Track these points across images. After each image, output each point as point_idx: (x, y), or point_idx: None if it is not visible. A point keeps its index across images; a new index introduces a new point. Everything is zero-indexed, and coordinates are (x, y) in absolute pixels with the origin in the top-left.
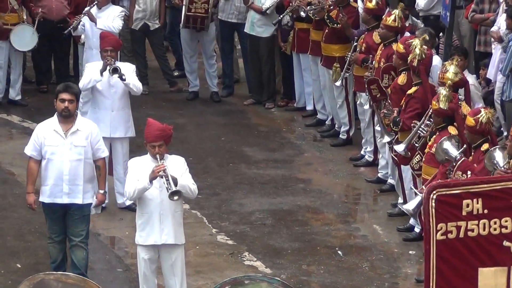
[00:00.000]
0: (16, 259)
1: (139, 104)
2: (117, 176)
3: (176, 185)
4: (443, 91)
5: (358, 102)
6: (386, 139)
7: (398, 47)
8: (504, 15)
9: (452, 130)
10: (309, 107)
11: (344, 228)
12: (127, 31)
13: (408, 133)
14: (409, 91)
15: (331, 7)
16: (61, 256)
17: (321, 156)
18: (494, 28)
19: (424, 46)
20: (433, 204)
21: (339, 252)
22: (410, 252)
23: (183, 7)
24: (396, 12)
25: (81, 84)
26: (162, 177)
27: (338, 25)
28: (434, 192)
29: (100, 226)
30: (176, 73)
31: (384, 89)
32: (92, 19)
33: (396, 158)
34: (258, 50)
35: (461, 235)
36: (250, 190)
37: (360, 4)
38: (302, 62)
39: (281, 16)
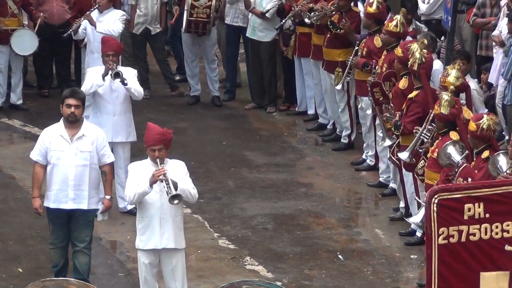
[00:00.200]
0: (17, 264)
1: (140, 109)
2: (118, 180)
3: (176, 189)
4: (445, 96)
5: (359, 106)
6: (388, 142)
7: (397, 51)
8: (506, 19)
9: (453, 135)
10: (311, 111)
11: (345, 233)
12: (128, 35)
13: (409, 137)
14: (410, 95)
15: (333, 12)
16: (62, 261)
17: (322, 160)
18: (495, 32)
19: (424, 50)
20: (435, 208)
21: (340, 256)
22: (412, 256)
23: (185, 12)
24: (398, 17)
25: (83, 88)
26: (162, 181)
27: (341, 30)
28: (436, 196)
29: (101, 231)
30: (177, 78)
31: (386, 92)
32: (92, 23)
33: (397, 162)
34: (260, 55)
35: (463, 239)
36: (252, 194)
37: (361, 8)
38: (303, 66)
39: (283, 21)
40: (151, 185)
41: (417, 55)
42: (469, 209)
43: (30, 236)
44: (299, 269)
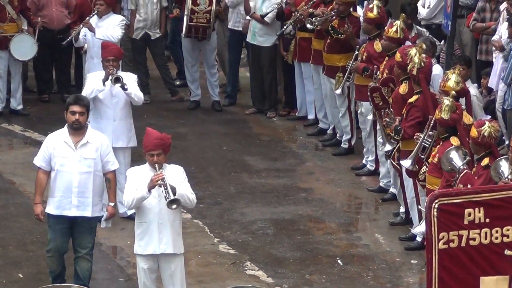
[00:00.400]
0: (18, 269)
1: (140, 114)
2: (119, 186)
3: (174, 194)
4: (446, 101)
5: (359, 111)
6: (388, 147)
7: (396, 56)
8: (505, 23)
9: (454, 140)
10: (311, 116)
11: (346, 237)
12: (128, 40)
13: (409, 141)
14: (410, 100)
15: (333, 17)
16: (60, 267)
17: (322, 165)
18: (495, 37)
19: (423, 55)
20: (435, 213)
21: (339, 261)
22: (412, 261)
23: (185, 17)
24: (398, 23)
25: (84, 94)
26: (160, 186)
27: (342, 35)
28: (436, 201)
29: (102, 236)
30: (177, 83)
31: (386, 97)
32: (91, 29)
33: (397, 166)
34: (260, 60)
35: (463, 244)
36: (252, 199)
37: (360, 13)
38: (303, 71)
39: (284, 27)
40: (149, 190)
41: (416, 59)
42: (469, 214)
43: (31, 242)
44: (300, 274)
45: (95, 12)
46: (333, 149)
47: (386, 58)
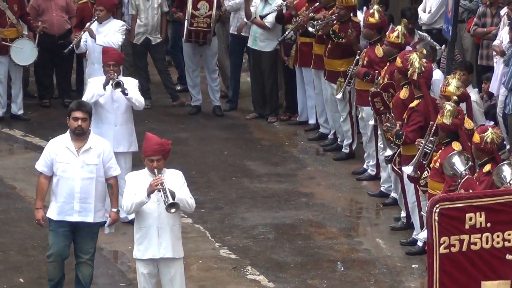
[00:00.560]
0: (19, 274)
1: (141, 119)
2: (120, 190)
3: (173, 198)
4: (448, 106)
5: (359, 116)
6: (388, 152)
7: (397, 61)
8: (506, 28)
9: (456, 146)
10: (312, 121)
11: (347, 242)
12: (129, 45)
13: (410, 146)
14: (411, 105)
15: (334, 22)
16: (60, 275)
17: (323, 170)
18: (496, 42)
19: (423, 60)
20: (436, 217)
21: (340, 266)
22: (413, 266)
23: (185, 21)
24: (400, 28)
25: (84, 99)
26: (159, 191)
27: (343, 39)
28: (437, 205)
29: (103, 240)
30: (178, 88)
31: (387, 102)
32: (92, 35)
33: (398, 171)
34: (261, 65)
35: (464, 248)
36: (253, 204)
37: (360, 18)
38: (304, 76)
39: (286, 33)
40: (148, 195)
41: (417, 64)
42: (471, 219)
43: (32, 246)
44: (301, 279)
45: (96, 18)
46: (334, 154)
47: (387, 63)
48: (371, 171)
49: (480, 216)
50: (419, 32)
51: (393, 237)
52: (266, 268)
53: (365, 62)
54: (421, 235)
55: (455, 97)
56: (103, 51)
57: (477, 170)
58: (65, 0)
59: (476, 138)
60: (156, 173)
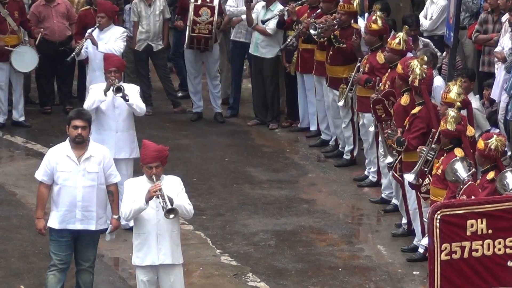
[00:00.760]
0: (20, 281)
1: (143, 125)
2: (121, 197)
3: (172, 204)
4: (451, 113)
5: (360, 123)
6: (389, 159)
7: (398, 68)
8: (508, 34)
9: (458, 152)
10: (313, 128)
11: (348, 249)
12: (130, 52)
13: (412, 153)
14: (413, 111)
15: (335, 26)
16: (59, 286)
17: (325, 176)
18: (497, 49)
19: (424, 66)
20: (437, 224)
21: (341, 270)
22: (414, 272)
23: (187, 28)
24: (401, 35)
25: (86, 105)
26: (158, 197)
27: (344, 44)
28: (439, 212)
29: (104, 247)
30: (180, 94)
31: (389, 109)
32: (94, 43)
33: (399, 178)
34: (262, 71)
35: (466, 255)
36: (254, 210)
37: (361, 25)
38: (306, 82)
39: (288, 40)
40: (147, 201)
41: (418, 71)
42: (472, 225)
43: (33, 253)
44: (302, 286)
45: (97, 25)
46: (335, 160)
47: (389, 69)
48: (372, 177)
49: (482, 223)
50: (422, 38)
51: (394, 243)
52: (267, 275)
53: (366, 68)
54: (423, 241)
55: (458, 103)
56: (104, 58)
57: (479, 177)
58: (65, 7)
59: (481, 144)
60: (155, 179)
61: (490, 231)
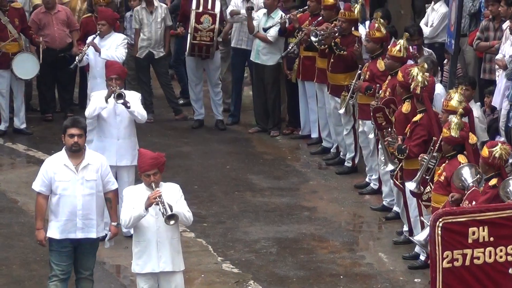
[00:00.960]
0: None
1: (144, 133)
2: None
3: (171, 210)
4: (454, 119)
5: (361, 130)
6: (390, 167)
7: (398, 76)
8: (509, 42)
9: (461, 158)
10: (314, 135)
11: (349, 256)
12: (132, 59)
13: (413, 160)
14: (415, 118)
15: (336, 34)
16: None
17: (326, 184)
18: (498, 56)
19: (426, 73)
20: (439, 232)
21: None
22: (416, 280)
23: (189, 35)
24: (401, 42)
25: (87, 112)
26: (157, 204)
27: (344, 52)
28: (440, 220)
29: (105, 255)
30: (181, 101)
31: (389, 117)
32: (97, 49)
33: (400, 185)
34: (264, 78)
35: (467, 263)
36: (256, 218)
37: (362, 32)
38: (307, 89)
39: (289, 48)
40: (146, 208)
41: (420, 78)
42: (474, 233)
43: (34, 261)
44: None
45: (98, 33)
46: (336, 167)
47: (389, 76)
48: (374, 185)
49: (483, 231)
50: (425, 48)
51: (396, 251)
52: (269, 282)
53: (367, 76)
54: (416, 237)
55: (461, 110)
56: (106, 65)
57: (483, 184)
58: (66, 14)
59: (485, 152)
60: (154, 186)
61: (491, 239)
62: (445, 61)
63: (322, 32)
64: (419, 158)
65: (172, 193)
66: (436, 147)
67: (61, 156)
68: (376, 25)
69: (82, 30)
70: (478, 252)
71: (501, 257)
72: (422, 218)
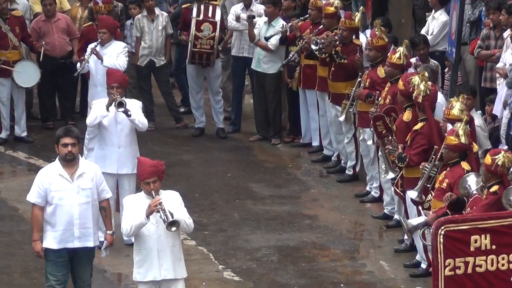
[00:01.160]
0: None
1: (145, 141)
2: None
3: (172, 217)
4: (461, 126)
5: (360, 138)
6: (391, 175)
7: (399, 84)
8: (509, 50)
9: (465, 165)
10: (315, 143)
11: (350, 264)
12: (132, 67)
13: (413, 169)
14: (416, 127)
15: (337, 42)
16: None
17: (327, 192)
18: (499, 65)
19: (428, 82)
20: (441, 239)
21: (343, 286)
22: None
23: (189, 43)
24: (401, 49)
25: (88, 120)
26: (158, 212)
27: (345, 60)
28: (442, 227)
29: (106, 263)
30: (182, 110)
31: (390, 125)
32: (99, 57)
33: (401, 194)
34: (265, 86)
35: (469, 270)
36: (257, 226)
37: (363, 40)
38: (308, 98)
39: (290, 56)
40: (147, 216)
41: (422, 87)
42: (476, 241)
43: (35, 269)
44: None
45: (99, 41)
46: (337, 176)
47: (388, 83)
48: (375, 193)
49: (485, 238)
50: (432, 60)
51: (397, 259)
52: None
53: (367, 83)
54: (408, 221)
55: (466, 117)
56: (107, 73)
57: (485, 192)
58: (66, 23)
59: (488, 160)
60: (154, 194)
61: (493, 247)
62: (445, 70)
63: (322, 40)
64: (420, 167)
65: (172, 201)
66: (438, 156)
67: (55, 166)
68: (377, 33)
69: (83, 38)
70: (480, 260)
71: (503, 265)
72: (419, 208)
